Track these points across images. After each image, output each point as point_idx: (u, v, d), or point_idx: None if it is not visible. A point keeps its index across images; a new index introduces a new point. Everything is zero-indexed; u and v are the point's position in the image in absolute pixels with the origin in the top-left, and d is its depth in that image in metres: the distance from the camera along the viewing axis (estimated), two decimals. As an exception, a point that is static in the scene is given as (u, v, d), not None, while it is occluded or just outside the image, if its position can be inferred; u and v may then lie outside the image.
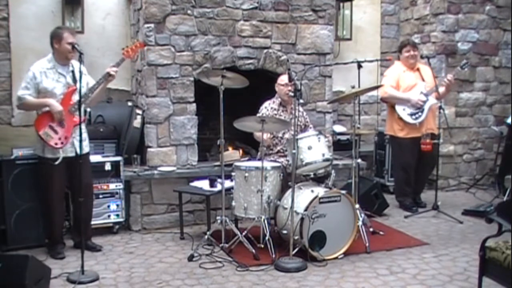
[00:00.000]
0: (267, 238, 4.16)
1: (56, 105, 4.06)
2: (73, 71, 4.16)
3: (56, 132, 4.11)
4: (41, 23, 5.29)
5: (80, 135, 3.92)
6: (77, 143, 4.09)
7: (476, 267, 3.24)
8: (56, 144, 4.10)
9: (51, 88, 4.10)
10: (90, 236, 4.44)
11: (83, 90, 3.99)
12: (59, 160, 4.11)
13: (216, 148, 5.49)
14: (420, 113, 5.45)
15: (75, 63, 4.19)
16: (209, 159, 5.62)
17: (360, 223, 4.36)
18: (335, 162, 5.17)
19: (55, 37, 4.12)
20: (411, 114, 5.46)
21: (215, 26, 5.26)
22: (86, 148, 4.27)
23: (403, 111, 5.46)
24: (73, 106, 4.11)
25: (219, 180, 4.53)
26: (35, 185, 4.41)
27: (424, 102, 5.43)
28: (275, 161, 4.65)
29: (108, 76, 4.18)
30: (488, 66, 6.75)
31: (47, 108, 4.07)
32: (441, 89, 5.50)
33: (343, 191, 4.25)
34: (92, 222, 4.54)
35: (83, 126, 4.17)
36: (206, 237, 4.30)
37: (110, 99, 5.52)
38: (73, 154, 4.17)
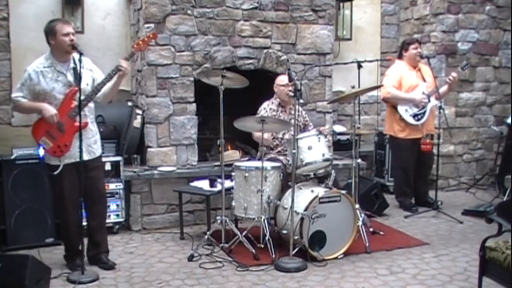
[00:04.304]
0: (267, 238, 4.16)
1: (49, 109, 3.68)
2: (74, 68, 3.75)
3: (54, 139, 3.76)
4: (41, 23, 5.19)
5: (80, 140, 3.62)
6: (85, 147, 3.75)
7: (476, 267, 3.24)
8: (54, 152, 3.78)
9: (50, 90, 3.72)
10: (106, 250, 4.09)
11: (88, 89, 3.75)
12: (59, 169, 3.77)
13: (216, 148, 5.48)
14: (422, 115, 5.45)
15: (85, 60, 3.80)
16: (209, 159, 5.62)
17: (360, 223, 4.35)
18: (335, 162, 5.17)
19: (49, 32, 3.74)
20: (414, 116, 5.45)
21: (215, 26, 5.26)
22: (97, 151, 3.95)
23: (406, 112, 5.45)
24: (74, 110, 3.72)
25: (219, 180, 4.53)
26: (35, 185, 4.42)
27: (427, 102, 5.43)
28: (275, 159, 4.65)
29: (118, 70, 3.75)
30: (488, 66, 6.75)
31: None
32: (444, 88, 5.50)
33: (343, 191, 4.25)
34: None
35: (93, 128, 3.92)
36: (206, 237, 4.30)
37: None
38: (85, 159, 3.76)
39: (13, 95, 3.86)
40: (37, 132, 3.80)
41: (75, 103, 3.74)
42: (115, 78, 3.82)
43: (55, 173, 3.79)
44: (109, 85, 3.85)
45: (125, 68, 3.77)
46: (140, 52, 4.40)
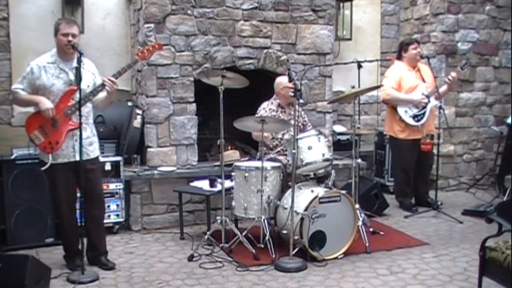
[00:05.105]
0: (267, 238, 4.16)
1: (46, 102, 3.68)
2: (77, 68, 3.71)
3: (46, 135, 3.74)
4: (41, 23, 5.29)
5: (81, 139, 3.63)
6: (78, 147, 3.70)
7: (476, 267, 3.24)
8: (45, 148, 3.75)
9: (50, 85, 3.73)
10: (105, 252, 4.09)
11: (88, 91, 3.76)
12: (46, 166, 3.75)
13: (216, 148, 5.49)
14: (422, 115, 5.45)
15: (89, 63, 3.91)
16: (209, 159, 5.62)
17: (360, 223, 4.36)
18: (335, 162, 5.17)
19: (54, 29, 3.79)
20: (414, 116, 5.45)
21: (215, 26, 5.26)
22: (92, 153, 3.94)
23: (405, 113, 5.45)
24: (70, 108, 3.73)
25: (219, 180, 4.53)
26: (35, 185, 4.42)
27: (426, 103, 5.43)
28: (275, 159, 4.65)
29: (103, 86, 3.78)
30: (488, 66, 6.75)
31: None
32: (443, 88, 5.51)
33: (343, 191, 4.25)
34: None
35: (88, 129, 3.90)
36: (206, 237, 4.30)
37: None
38: (75, 159, 3.77)
39: (13, 86, 3.89)
40: (30, 125, 3.78)
41: (72, 102, 3.75)
42: (104, 93, 3.85)
43: (43, 169, 3.79)
44: (102, 95, 3.87)
45: (109, 84, 3.77)
46: (143, 61, 4.41)
